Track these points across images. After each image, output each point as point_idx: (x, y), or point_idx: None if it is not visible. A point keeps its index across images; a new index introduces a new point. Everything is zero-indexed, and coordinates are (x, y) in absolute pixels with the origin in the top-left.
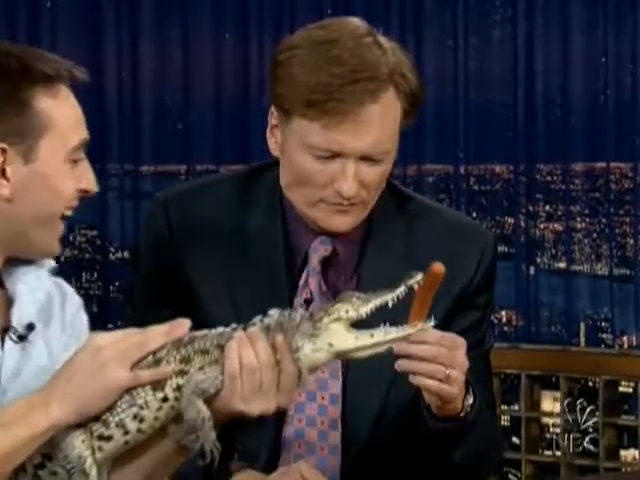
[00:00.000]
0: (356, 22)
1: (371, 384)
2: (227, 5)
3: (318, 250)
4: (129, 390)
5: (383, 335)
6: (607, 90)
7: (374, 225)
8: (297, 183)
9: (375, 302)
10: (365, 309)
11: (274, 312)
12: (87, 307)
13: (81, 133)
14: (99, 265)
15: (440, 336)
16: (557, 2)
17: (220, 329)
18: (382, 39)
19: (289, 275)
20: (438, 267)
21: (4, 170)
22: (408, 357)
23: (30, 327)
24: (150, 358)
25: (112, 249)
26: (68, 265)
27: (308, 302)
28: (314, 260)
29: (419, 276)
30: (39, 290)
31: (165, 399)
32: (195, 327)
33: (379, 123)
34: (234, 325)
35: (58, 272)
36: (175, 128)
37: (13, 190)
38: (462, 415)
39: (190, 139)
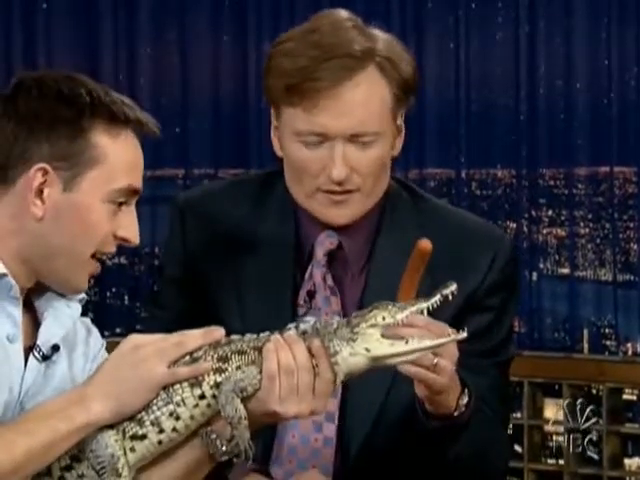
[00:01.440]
0: (342, 12)
1: (371, 385)
2: (225, 8)
3: (324, 243)
4: (166, 388)
5: (417, 342)
6: (611, 93)
7: (385, 222)
8: (295, 176)
9: (411, 309)
10: (401, 315)
11: (309, 318)
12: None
13: (131, 179)
14: None
15: (430, 323)
16: (560, 4)
17: (255, 334)
18: (374, 29)
19: (296, 269)
20: (425, 244)
21: (42, 191)
22: None
23: (55, 348)
24: (187, 358)
25: None
26: None
27: (311, 294)
28: (319, 253)
29: (454, 286)
30: (68, 316)
31: (202, 396)
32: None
33: (360, 102)
34: (268, 332)
35: None
36: (172, 132)
37: (45, 212)
38: (456, 414)
39: (188, 143)
